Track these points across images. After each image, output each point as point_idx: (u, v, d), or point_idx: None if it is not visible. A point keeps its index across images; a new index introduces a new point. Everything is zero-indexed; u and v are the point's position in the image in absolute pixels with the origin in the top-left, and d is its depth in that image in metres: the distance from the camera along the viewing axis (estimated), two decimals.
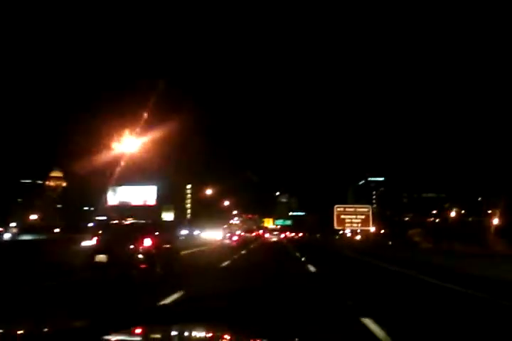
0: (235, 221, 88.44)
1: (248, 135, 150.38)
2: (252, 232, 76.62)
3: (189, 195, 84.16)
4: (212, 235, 38.15)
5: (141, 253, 9.31)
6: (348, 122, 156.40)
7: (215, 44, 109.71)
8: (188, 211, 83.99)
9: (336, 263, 16.99)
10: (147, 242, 9.46)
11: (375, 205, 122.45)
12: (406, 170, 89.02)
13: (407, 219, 77.69)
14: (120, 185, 48.89)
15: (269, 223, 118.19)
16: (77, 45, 60.43)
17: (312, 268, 12.55)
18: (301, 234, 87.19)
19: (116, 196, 51.86)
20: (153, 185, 53.71)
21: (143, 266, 9.27)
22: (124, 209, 46.88)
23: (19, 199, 64.72)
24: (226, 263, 14.08)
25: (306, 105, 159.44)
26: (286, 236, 78.55)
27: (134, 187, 52.34)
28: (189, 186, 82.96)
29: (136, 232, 9.64)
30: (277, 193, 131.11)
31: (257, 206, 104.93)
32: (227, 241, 34.21)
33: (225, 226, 54.80)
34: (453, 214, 61.26)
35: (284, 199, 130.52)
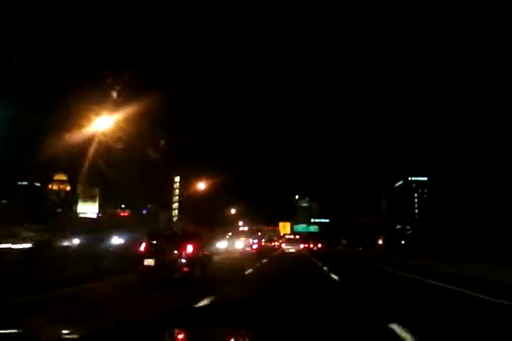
0: (243, 228, 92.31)
1: (263, 132, 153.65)
2: (273, 242, 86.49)
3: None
4: (225, 245, 44.89)
5: (183, 258, 13.19)
6: (375, 115, 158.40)
7: (209, 44, 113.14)
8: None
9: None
10: (189, 248, 13.34)
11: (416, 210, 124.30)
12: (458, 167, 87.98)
13: None
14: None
15: (285, 229, 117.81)
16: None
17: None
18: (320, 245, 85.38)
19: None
20: None
21: (185, 269, 13.14)
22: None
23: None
24: (250, 270, 18.15)
25: (331, 100, 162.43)
26: (307, 246, 77.07)
27: None
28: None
29: (180, 240, 13.58)
30: (296, 197, 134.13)
31: (268, 213, 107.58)
32: (248, 249, 45.06)
33: (243, 238, 58.91)
34: None
35: (304, 204, 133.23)
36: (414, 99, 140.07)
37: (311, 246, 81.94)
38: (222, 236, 50.69)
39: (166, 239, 13.94)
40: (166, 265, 12.99)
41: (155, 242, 13.66)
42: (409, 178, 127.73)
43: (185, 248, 13.32)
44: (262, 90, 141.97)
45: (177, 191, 76.29)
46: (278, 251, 54.51)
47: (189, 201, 71.17)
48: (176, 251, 13.28)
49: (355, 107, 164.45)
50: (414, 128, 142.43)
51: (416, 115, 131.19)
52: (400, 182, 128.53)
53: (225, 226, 63.78)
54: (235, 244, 49.05)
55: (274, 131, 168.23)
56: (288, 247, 57.14)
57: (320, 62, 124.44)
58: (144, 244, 13.48)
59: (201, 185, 54.03)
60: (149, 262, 13.04)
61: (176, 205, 76.73)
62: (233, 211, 75.07)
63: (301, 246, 66.40)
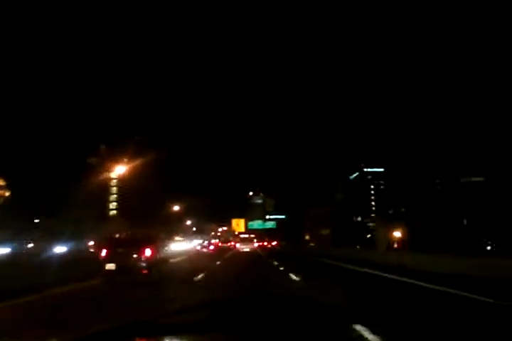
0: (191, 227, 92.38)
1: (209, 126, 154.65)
2: (229, 242, 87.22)
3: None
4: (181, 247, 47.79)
5: (143, 261, 15.08)
6: (327, 107, 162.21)
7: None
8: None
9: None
10: (148, 252, 15.23)
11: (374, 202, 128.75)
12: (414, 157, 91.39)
13: None
14: None
15: (239, 227, 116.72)
16: None
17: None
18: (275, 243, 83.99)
19: None
20: None
21: (145, 272, 15.03)
22: None
23: None
24: (205, 273, 20.19)
25: (282, 91, 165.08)
26: (262, 245, 79.45)
27: None
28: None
29: (139, 243, 15.45)
30: (250, 193, 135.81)
31: (220, 211, 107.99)
32: (205, 250, 48.65)
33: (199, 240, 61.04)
34: None
35: (259, 200, 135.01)
36: (366, 91, 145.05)
37: (265, 243, 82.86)
38: (169, 237, 51.38)
39: (125, 244, 15.80)
40: (127, 268, 14.84)
41: (115, 247, 15.48)
42: (365, 169, 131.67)
43: (144, 251, 15.20)
44: (215, 82, 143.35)
45: (114, 189, 76.52)
46: (233, 251, 56.74)
47: (124, 198, 70.41)
48: (135, 255, 15.14)
49: (307, 100, 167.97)
50: (368, 120, 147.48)
51: (369, 106, 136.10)
52: (356, 174, 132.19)
53: (166, 225, 62.03)
54: (191, 245, 53.43)
55: (224, 126, 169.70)
56: (242, 247, 60.04)
57: (270, 51, 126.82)
58: (104, 250, 15.27)
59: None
60: (110, 266, 14.84)
61: (114, 205, 76.31)
62: (177, 208, 72.71)
63: (256, 244, 69.46)
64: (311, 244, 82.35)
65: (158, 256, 16.30)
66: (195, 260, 32.95)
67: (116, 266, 14.80)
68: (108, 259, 15.00)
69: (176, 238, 59.26)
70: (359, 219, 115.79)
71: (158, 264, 16.05)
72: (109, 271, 14.82)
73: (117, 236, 17.79)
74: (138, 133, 65.15)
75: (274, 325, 3.04)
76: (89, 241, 46.93)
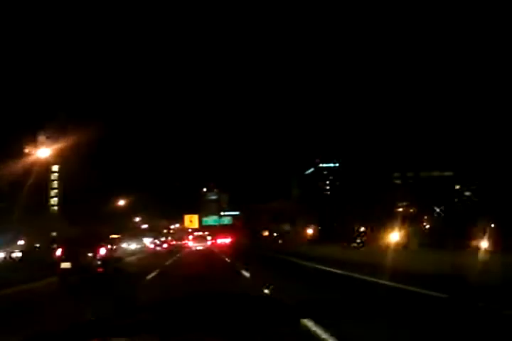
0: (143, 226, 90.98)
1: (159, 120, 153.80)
2: (183, 240, 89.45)
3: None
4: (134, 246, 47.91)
5: (98, 259, 16.09)
6: (280, 101, 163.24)
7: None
8: None
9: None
10: (102, 251, 16.25)
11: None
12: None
13: None
14: None
15: (193, 223, 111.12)
16: None
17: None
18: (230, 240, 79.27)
19: None
20: None
21: (100, 269, 16.05)
22: None
23: None
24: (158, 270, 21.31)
25: (236, 86, 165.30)
26: (215, 242, 77.35)
27: None
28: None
29: (93, 243, 16.44)
30: (204, 189, 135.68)
31: (170, 207, 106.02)
32: (158, 249, 50.97)
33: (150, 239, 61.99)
34: None
35: (213, 197, 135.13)
36: (318, 84, 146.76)
37: (220, 241, 79.02)
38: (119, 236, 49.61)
39: (80, 243, 16.76)
40: (82, 266, 15.82)
41: (70, 246, 16.42)
42: (320, 165, 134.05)
43: (99, 250, 16.23)
44: (164, 76, 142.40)
45: (55, 183, 71.36)
46: (187, 249, 57.00)
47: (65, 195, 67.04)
48: (90, 254, 16.13)
49: (261, 94, 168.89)
50: (321, 114, 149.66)
51: (321, 100, 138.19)
52: (311, 170, 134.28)
53: (112, 222, 58.25)
54: (142, 244, 53.55)
55: (179, 121, 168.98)
56: (195, 245, 59.26)
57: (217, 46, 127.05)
58: (60, 249, 16.18)
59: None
60: (66, 265, 15.78)
61: (55, 200, 70.50)
62: (122, 202, 66.31)
63: (209, 242, 68.07)
64: (279, 241, 76.43)
65: (112, 255, 17.37)
66: (146, 259, 34.44)
67: (72, 264, 15.75)
68: (63, 258, 15.93)
69: (124, 236, 57.17)
70: None
71: (112, 263, 17.11)
72: (65, 269, 15.75)
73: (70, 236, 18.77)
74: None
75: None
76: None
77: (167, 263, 26.62)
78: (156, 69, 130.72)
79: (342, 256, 24.08)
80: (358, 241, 47.28)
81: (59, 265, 15.78)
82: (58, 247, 16.50)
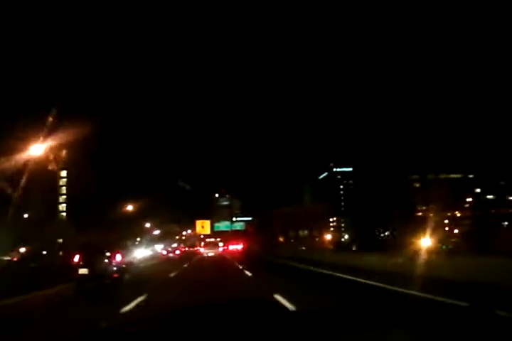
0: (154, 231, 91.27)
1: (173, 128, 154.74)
2: (196, 247, 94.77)
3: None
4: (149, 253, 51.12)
5: (113, 266, 16.93)
6: (295, 106, 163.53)
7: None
8: None
9: None
10: (118, 257, 17.10)
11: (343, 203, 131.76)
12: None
13: None
14: None
15: (205, 229, 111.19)
16: None
17: None
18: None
19: None
20: None
21: (115, 275, 16.88)
22: None
23: None
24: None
25: (247, 91, 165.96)
26: (227, 249, 77.30)
27: None
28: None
29: (108, 250, 17.31)
30: (216, 195, 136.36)
31: (182, 213, 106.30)
32: (171, 255, 53.82)
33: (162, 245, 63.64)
34: None
35: (225, 202, 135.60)
36: (333, 89, 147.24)
37: (231, 247, 78.10)
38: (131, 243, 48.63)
39: (96, 250, 17.64)
40: (99, 273, 16.65)
41: (87, 252, 17.29)
42: (334, 169, 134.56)
43: (115, 257, 17.07)
44: (177, 81, 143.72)
45: (63, 189, 71.29)
46: (198, 255, 58.38)
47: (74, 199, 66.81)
48: (106, 260, 16.98)
49: (274, 99, 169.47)
50: (336, 118, 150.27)
51: (336, 105, 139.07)
52: (325, 174, 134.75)
53: (122, 229, 57.44)
54: (154, 251, 56.55)
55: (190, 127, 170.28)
56: (207, 251, 61.08)
57: (228, 51, 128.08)
58: (77, 256, 17.03)
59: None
60: (84, 271, 16.59)
61: (63, 206, 70.68)
62: (130, 207, 65.05)
63: (221, 249, 69.97)
64: (302, 248, 72.43)
65: (126, 262, 18.26)
66: (159, 265, 35.91)
67: (89, 270, 16.58)
68: (81, 264, 16.78)
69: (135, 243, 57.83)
70: None
71: (127, 269, 17.97)
72: (82, 275, 16.57)
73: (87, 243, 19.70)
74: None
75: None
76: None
77: (176, 273, 24.23)
78: (171, 73, 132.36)
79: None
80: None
81: (76, 271, 16.57)
82: (75, 253, 17.30)
